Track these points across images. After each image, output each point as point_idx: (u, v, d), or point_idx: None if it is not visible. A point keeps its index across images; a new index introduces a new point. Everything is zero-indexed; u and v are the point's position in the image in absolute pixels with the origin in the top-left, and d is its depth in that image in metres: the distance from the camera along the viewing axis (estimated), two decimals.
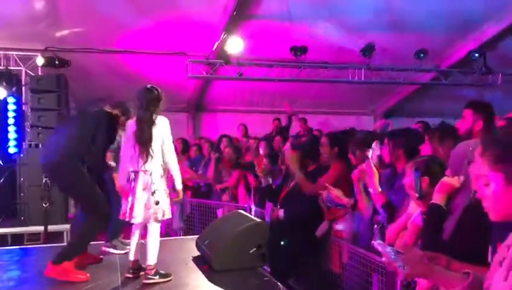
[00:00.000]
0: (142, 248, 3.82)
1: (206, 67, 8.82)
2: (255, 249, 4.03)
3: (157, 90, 3.80)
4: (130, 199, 3.70)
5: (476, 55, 8.96)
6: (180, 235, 6.81)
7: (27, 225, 7.23)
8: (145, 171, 3.67)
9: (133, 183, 3.71)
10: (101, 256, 4.39)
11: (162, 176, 3.73)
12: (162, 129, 3.75)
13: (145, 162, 3.66)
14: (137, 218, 3.67)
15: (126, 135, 3.85)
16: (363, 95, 11.05)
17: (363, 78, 9.13)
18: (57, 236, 6.91)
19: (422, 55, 8.77)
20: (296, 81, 9.20)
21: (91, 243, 4.79)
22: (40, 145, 7.53)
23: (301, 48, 8.47)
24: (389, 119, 8.68)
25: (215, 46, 8.28)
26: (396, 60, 9.30)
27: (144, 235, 3.82)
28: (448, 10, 7.86)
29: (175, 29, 8.02)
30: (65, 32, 8.04)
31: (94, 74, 8.92)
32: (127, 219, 3.73)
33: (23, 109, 8.15)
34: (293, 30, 8.32)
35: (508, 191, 1.53)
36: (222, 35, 7.97)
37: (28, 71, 8.32)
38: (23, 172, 7.40)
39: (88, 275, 3.79)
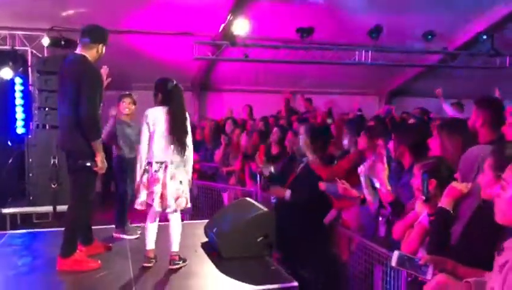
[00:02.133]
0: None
1: (212, 48, 8.77)
2: (262, 237, 4.10)
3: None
4: (158, 188, 3.75)
5: (484, 37, 8.89)
6: (187, 218, 6.89)
7: (36, 205, 7.34)
8: (172, 162, 3.79)
9: (158, 174, 3.76)
10: (111, 244, 4.44)
11: (184, 166, 3.90)
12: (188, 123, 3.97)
13: (181, 154, 3.81)
14: (171, 207, 3.77)
15: (152, 126, 3.83)
16: (369, 75, 11.00)
17: (369, 60, 9.06)
18: None
19: (430, 37, 8.69)
20: (302, 63, 9.15)
21: (104, 227, 4.98)
22: (48, 126, 7.59)
23: (307, 29, 8.42)
24: (392, 105, 8.66)
25: (222, 27, 8.23)
26: (404, 42, 9.23)
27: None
28: None
29: (181, 9, 7.97)
30: (71, 12, 8.01)
31: None
32: (159, 209, 3.79)
33: (30, 89, 8.17)
34: (299, 11, 8.24)
35: None
36: (228, 16, 7.91)
37: (34, 51, 8.31)
38: (31, 153, 7.44)
39: (99, 262, 3.86)
